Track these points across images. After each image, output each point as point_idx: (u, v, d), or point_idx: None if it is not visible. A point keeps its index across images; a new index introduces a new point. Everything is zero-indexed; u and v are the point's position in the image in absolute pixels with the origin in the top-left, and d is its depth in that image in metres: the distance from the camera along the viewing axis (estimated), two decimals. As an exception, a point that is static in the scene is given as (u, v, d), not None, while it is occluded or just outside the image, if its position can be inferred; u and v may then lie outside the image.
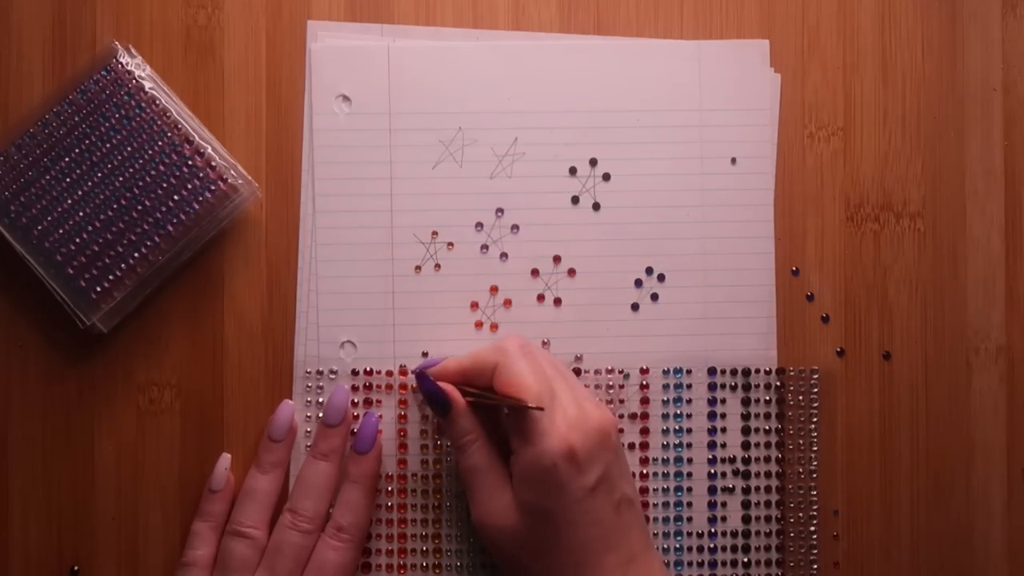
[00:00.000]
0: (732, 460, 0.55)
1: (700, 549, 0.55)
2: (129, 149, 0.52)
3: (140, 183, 0.52)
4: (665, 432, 0.55)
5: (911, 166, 0.56)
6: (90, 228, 0.52)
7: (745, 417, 0.55)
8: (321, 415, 0.53)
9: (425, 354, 0.54)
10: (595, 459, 0.48)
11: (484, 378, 0.50)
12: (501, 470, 0.50)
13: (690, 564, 0.55)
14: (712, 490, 0.55)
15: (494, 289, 0.55)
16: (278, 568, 0.51)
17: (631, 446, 0.55)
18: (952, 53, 0.56)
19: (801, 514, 0.55)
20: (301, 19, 0.54)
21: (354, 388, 0.54)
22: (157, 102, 0.52)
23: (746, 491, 0.55)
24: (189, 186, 0.52)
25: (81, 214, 0.52)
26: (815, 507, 0.55)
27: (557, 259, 0.55)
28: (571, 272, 0.55)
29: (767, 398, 0.55)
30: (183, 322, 0.54)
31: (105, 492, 0.53)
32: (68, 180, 0.52)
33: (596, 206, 0.55)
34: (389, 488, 0.54)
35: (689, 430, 0.55)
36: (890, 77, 0.56)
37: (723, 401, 0.55)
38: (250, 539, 0.51)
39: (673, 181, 0.55)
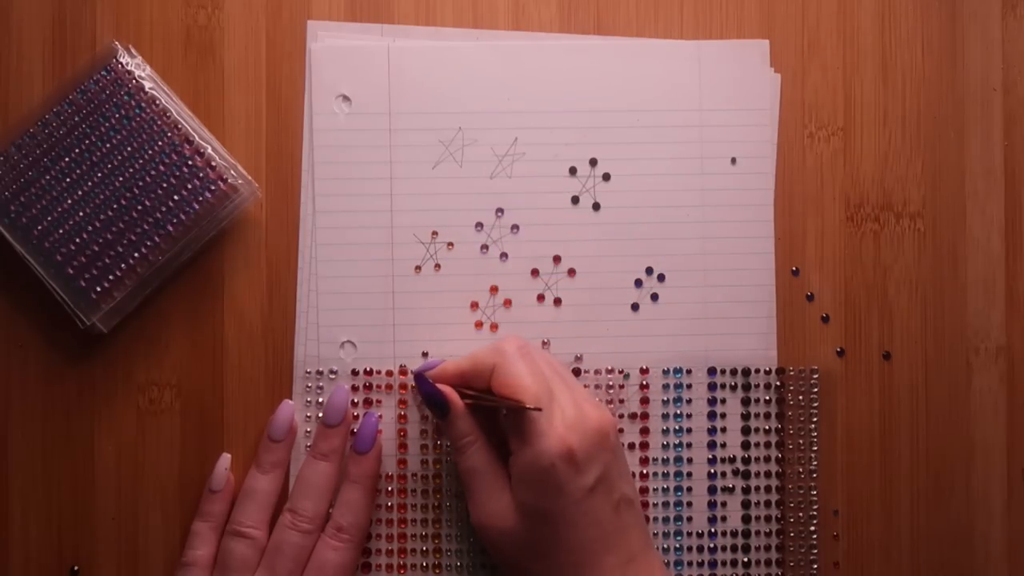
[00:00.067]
0: (732, 460, 0.55)
1: (700, 549, 0.55)
2: (129, 149, 0.52)
3: (140, 183, 0.52)
4: (665, 432, 0.55)
5: (911, 166, 0.56)
6: (90, 228, 0.52)
7: (745, 417, 0.55)
8: (321, 415, 0.53)
9: (425, 354, 0.54)
10: (593, 459, 0.48)
11: (483, 379, 0.50)
12: (500, 471, 0.50)
13: (690, 564, 0.55)
14: (712, 490, 0.55)
15: (494, 289, 0.55)
16: (278, 568, 0.51)
17: (631, 446, 0.55)
18: (952, 53, 0.56)
19: (801, 514, 0.55)
20: (301, 19, 0.54)
21: (354, 388, 0.54)
22: (157, 102, 0.52)
23: (746, 491, 0.55)
24: (189, 186, 0.52)
25: (81, 214, 0.52)
26: (815, 507, 0.55)
27: (557, 259, 0.55)
28: (571, 272, 0.55)
29: (767, 398, 0.55)
30: (183, 322, 0.54)
31: (105, 492, 0.53)
32: (68, 180, 0.52)
33: (596, 206, 0.55)
34: (389, 488, 0.54)
35: (689, 430, 0.55)
36: (890, 77, 0.56)
37: (723, 401, 0.55)
38: (250, 539, 0.51)
39: (673, 181, 0.55)
